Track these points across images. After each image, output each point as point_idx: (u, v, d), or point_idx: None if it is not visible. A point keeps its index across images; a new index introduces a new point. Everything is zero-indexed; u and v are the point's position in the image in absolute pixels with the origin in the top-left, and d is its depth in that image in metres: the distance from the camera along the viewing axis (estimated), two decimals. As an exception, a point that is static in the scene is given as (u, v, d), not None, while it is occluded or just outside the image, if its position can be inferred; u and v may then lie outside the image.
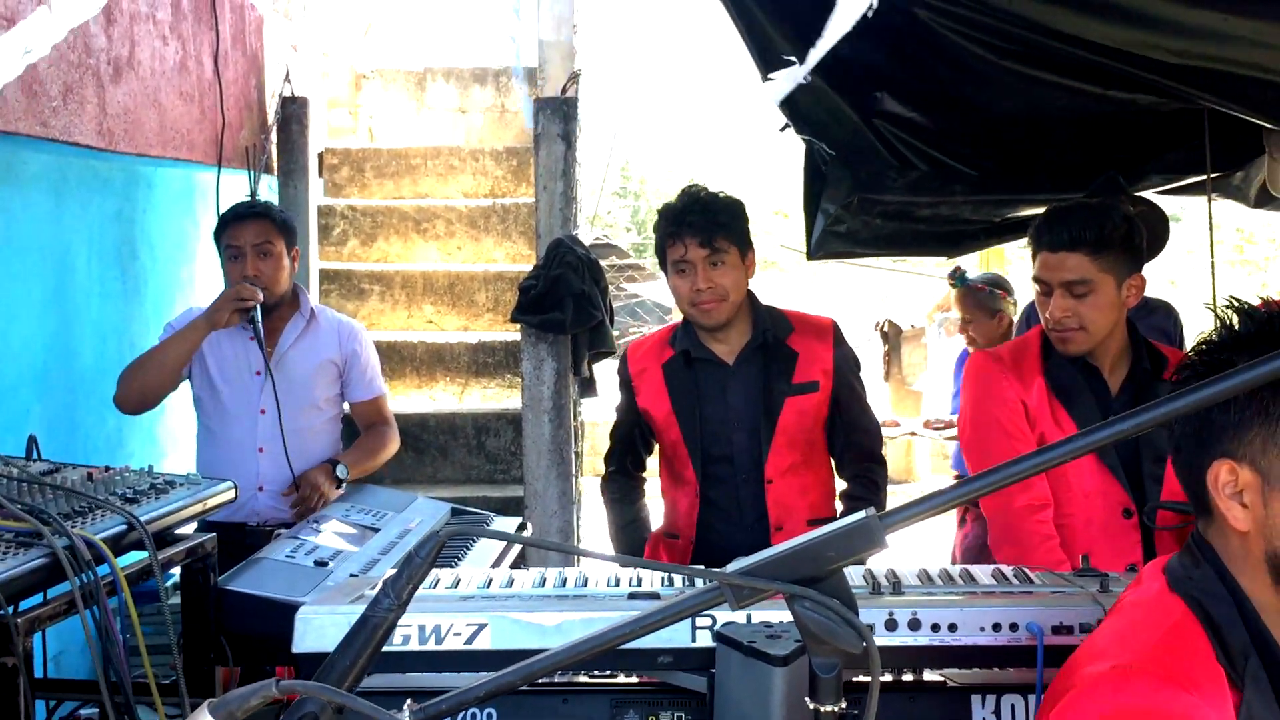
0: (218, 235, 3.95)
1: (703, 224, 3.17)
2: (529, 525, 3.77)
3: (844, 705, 1.11)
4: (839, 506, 3.41)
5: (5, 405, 3.97)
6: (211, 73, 5.40)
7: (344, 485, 3.88)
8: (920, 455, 10.82)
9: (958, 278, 5.27)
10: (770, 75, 4.13)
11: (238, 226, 3.87)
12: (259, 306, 3.73)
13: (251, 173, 5.69)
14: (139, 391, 3.78)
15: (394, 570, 1.17)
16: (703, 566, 1.64)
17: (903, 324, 10.24)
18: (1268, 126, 4.28)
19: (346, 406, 4.16)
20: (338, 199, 7.16)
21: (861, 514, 1.07)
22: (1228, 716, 1.39)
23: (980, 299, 5.26)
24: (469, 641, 1.94)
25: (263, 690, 0.90)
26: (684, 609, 1.07)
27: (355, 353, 4.06)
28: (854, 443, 3.37)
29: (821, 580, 1.06)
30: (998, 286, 5.32)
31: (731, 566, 1.08)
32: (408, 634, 1.95)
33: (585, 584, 2.17)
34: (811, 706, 1.09)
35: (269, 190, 6.02)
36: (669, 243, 3.23)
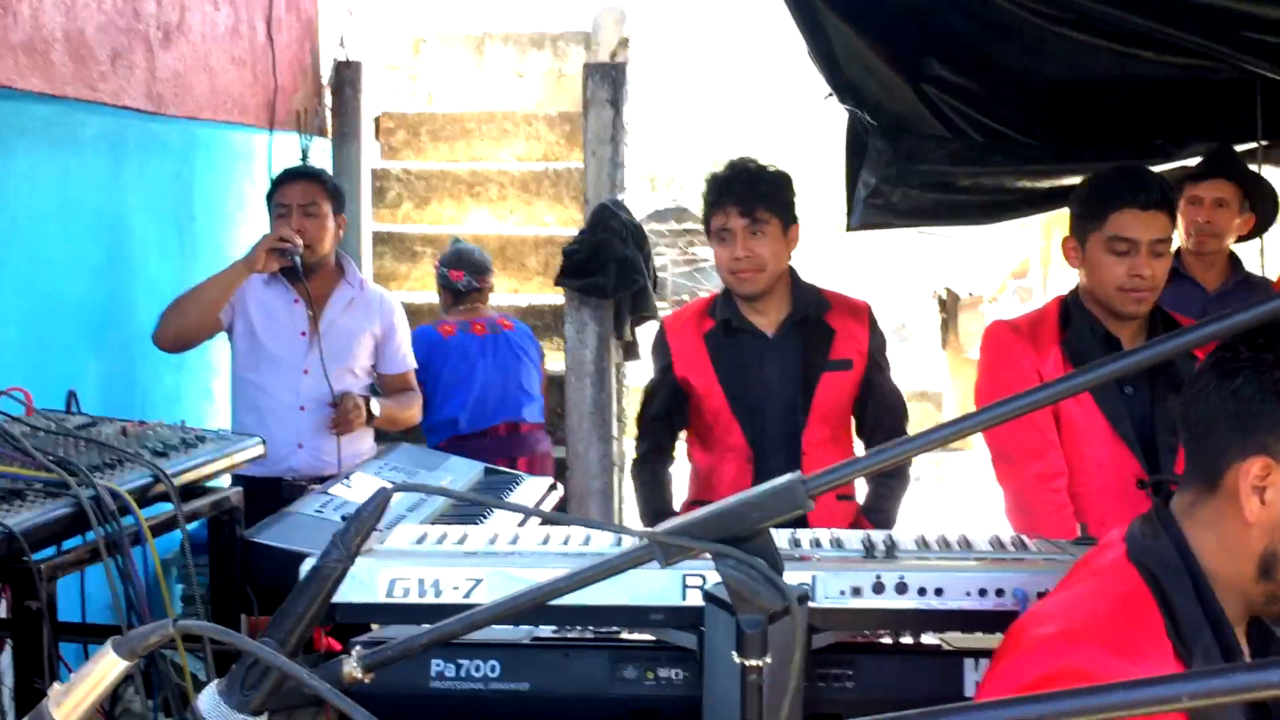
0: (270, 195, 4.10)
1: (745, 193, 3.21)
2: (559, 486, 3.82)
3: (770, 660, 1.14)
4: (861, 484, 3.44)
5: (61, 363, 4.11)
6: (264, 37, 5.49)
7: (372, 419, 4.01)
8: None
9: None
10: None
11: (287, 186, 4.00)
12: (299, 262, 3.82)
13: (304, 136, 5.79)
14: (176, 329, 3.90)
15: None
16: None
17: (961, 292, 10.17)
18: (1319, 95, 4.21)
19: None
20: (393, 162, 7.24)
21: (787, 476, 1.10)
22: None
23: None
24: (466, 595, 2.01)
25: (160, 628, 0.96)
26: (615, 565, 1.11)
27: (393, 326, 4.16)
28: (882, 424, 3.40)
29: (747, 540, 1.09)
30: None
31: (663, 525, 1.12)
32: (408, 586, 2.02)
33: (588, 542, 2.22)
34: (737, 660, 1.14)
35: (322, 153, 6.12)
36: (712, 211, 3.27)
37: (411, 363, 4.26)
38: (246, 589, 2.70)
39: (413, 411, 4.24)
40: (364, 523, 1.14)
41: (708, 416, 3.37)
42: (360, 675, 1.12)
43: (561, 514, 3.36)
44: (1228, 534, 1.50)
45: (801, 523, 2.67)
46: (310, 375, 3.94)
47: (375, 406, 3.99)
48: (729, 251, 3.24)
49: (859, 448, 3.49)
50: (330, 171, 5.75)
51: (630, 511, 4.63)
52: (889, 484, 3.40)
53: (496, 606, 1.13)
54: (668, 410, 3.42)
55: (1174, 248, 3.08)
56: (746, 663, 1.13)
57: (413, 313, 4.77)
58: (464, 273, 5.14)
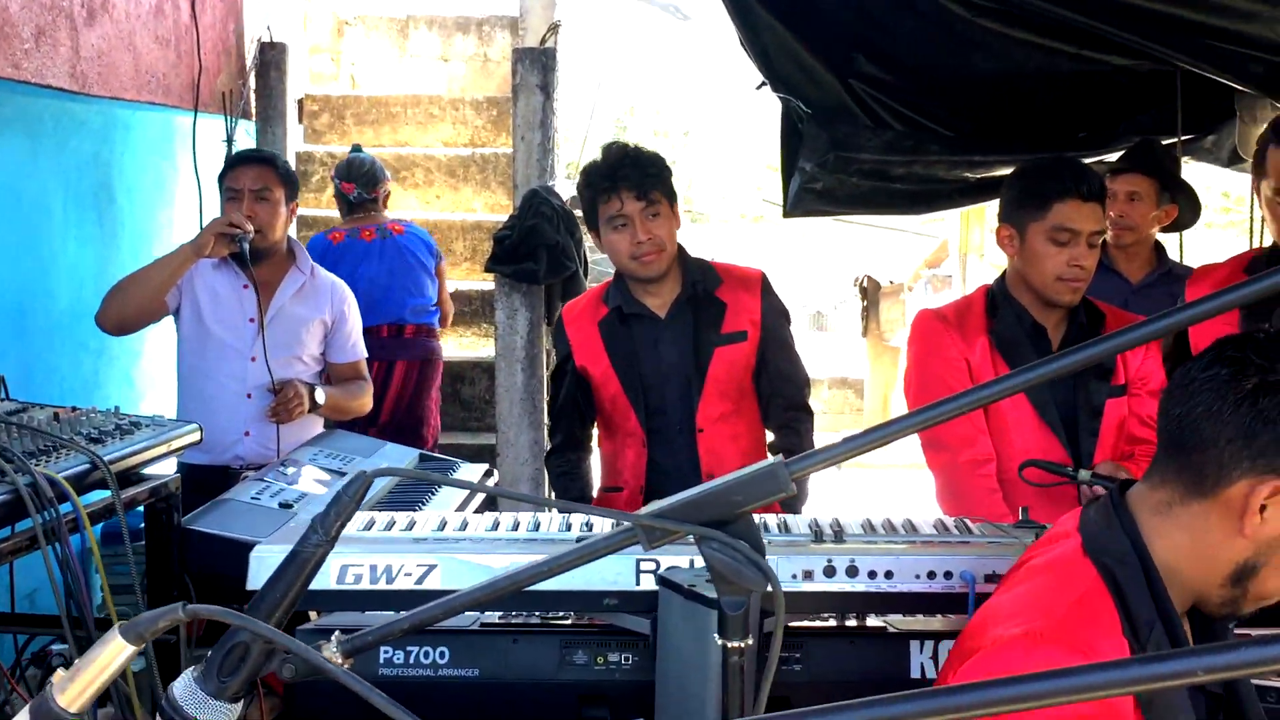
0: (221, 178, 4.03)
1: (637, 177, 3.19)
2: (495, 472, 3.80)
3: (750, 642, 1.16)
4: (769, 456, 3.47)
5: (-21, 346, 4.01)
6: (188, 17, 5.39)
7: (317, 407, 3.94)
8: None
9: None
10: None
11: (239, 170, 3.93)
12: (248, 247, 3.75)
13: (228, 118, 5.70)
14: (118, 312, 3.81)
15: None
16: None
17: (882, 280, 10.29)
18: (1238, 89, 4.32)
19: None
20: (317, 145, 7.15)
21: (769, 460, 1.11)
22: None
23: None
24: (419, 581, 2.00)
25: (170, 613, 0.94)
26: (598, 549, 1.11)
27: (343, 315, 4.10)
28: (780, 392, 3.40)
29: (730, 523, 1.11)
30: None
31: (646, 509, 1.13)
32: (360, 573, 2.01)
33: (537, 528, 2.22)
34: (720, 642, 1.15)
35: (246, 136, 6.02)
36: (603, 199, 3.22)
37: (362, 352, 4.19)
38: (184, 577, 2.65)
39: (363, 400, 4.18)
40: (344, 507, 1.13)
41: (606, 404, 3.38)
42: (340, 660, 1.11)
43: (557, 500, 3.34)
44: (1209, 540, 1.51)
45: None
46: (258, 363, 3.87)
47: (320, 395, 3.93)
48: (628, 237, 3.21)
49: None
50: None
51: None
52: (797, 437, 3.41)
53: (476, 591, 1.13)
54: (574, 400, 3.40)
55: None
56: (729, 644, 1.14)
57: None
58: (355, 185, 5.38)
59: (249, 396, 3.87)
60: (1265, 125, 4.39)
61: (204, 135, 5.44)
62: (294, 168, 6.39)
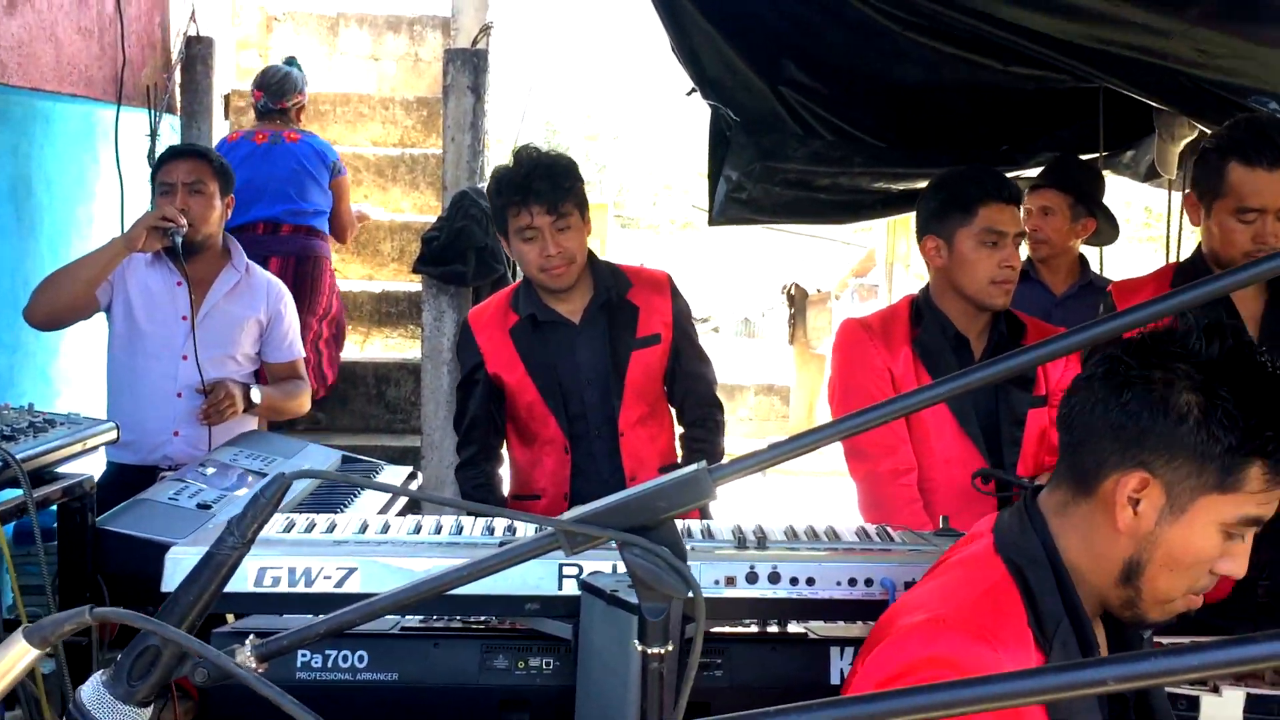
0: (154, 172, 3.95)
1: (549, 190, 3.15)
2: (418, 475, 3.77)
3: (671, 648, 1.16)
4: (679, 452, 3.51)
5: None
6: (113, 8, 5.30)
7: (253, 407, 3.88)
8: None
9: None
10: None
11: (173, 163, 3.85)
12: (180, 241, 3.68)
13: (152, 111, 5.60)
14: (48, 307, 3.73)
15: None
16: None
17: (809, 288, 10.36)
18: (1157, 107, 4.41)
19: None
20: (243, 142, 7.05)
21: (693, 466, 1.11)
22: None
23: None
24: (339, 585, 1.98)
25: (76, 616, 0.92)
26: (519, 554, 1.11)
27: (279, 313, 4.03)
28: (693, 390, 3.44)
29: (652, 529, 1.10)
30: None
31: (568, 514, 1.13)
32: (278, 576, 1.98)
33: (460, 532, 2.21)
34: (640, 648, 1.14)
35: (171, 130, 5.93)
36: (512, 210, 3.18)
37: (299, 351, 4.12)
38: (98, 578, 2.61)
39: (300, 400, 4.10)
40: (261, 509, 1.11)
41: (522, 411, 3.34)
42: (254, 664, 1.09)
43: (484, 505, 3.30)
44: (1096, 538, 1.56)
45: None
46: (190, 361, 3.80)
47: (256, 394, 3.86)
48: (538, 249, 3.17)
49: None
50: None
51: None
52: (704, 440, 3.44)
53: (397, 594, 1.12)
54: (487, 409, 3.35)
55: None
56: (649, 650, 1.14)
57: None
58: (263, 94, 5.57)
59: (179, 396, 3.80)
60: (1184, 141, 4.51)
61: (127, 129, 5.34)
62: (220, 163, 6.33)
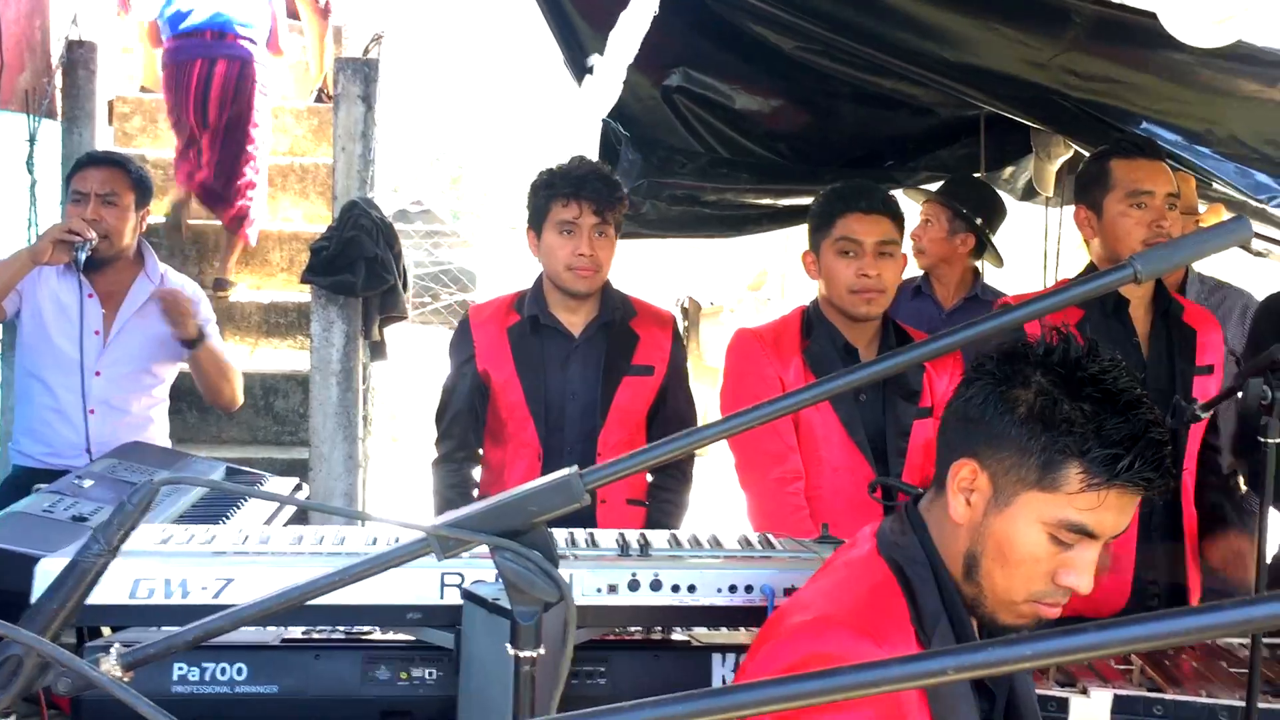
0: (66, 180, 3.85)
1: (602, 193, 3.20)
2: (304, 486, 3.73)
3: (544, 652, 1.17)
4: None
5: None
6: (-10, 10, 5.16)
7: (200, 342, 3.78)
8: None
9: None
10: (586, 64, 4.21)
11: (86, 171, 3.74)
12: (89, 253, 3.59)
13: (31, 116, 5.46)
14: None
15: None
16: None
17: (703, 301, 10.44)
18: (1035, 127, 4.54)
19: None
20: (128, 149, 6.91)
21: (564, 471, 1.12)
22: None
23: None
24: (216, 595, 1.95)
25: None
26: (392, 559, 1.11)
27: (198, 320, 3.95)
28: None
29: (524, 533, 1.11)
30: None
31: (441, 519, 1.13)
32: (153, 587, 1.95)
33: (343, 542, 2.19)
34: (511, 652, 1.15)
35: (52, 137, 5.78)
36: (559, 201, 3.21)
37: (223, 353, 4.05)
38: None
39: (235, 382, 3.97)
40: (128, 516, 1.10)
41: (503, 412, 3.33)
42: (120, 674, 1.08)
43: (347, 509, 3.26)
44: (944, 531, 1.62)
45: (592, 525, 2.71)
46: (101, 378, 3.71)
47: (210, 328, 3.80)
48: (572, 246, 3.19)
49: None
50: (60, 156, 5.46)
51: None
52: (672, 490, 3.44)
53: (264, 602, 1.11)
54: (471, 405, 3.35)
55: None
56: (520, 654, 1.15)
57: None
58: None
59: (91, 412, 3.71)
60: (1060, 160, 4.65)
61: (4, 134, 5.20)
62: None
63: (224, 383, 3.95)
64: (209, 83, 6.33)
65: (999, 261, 4.61)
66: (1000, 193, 5.21)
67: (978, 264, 4.44)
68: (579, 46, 4.28)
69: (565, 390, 3.31)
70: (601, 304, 3.34)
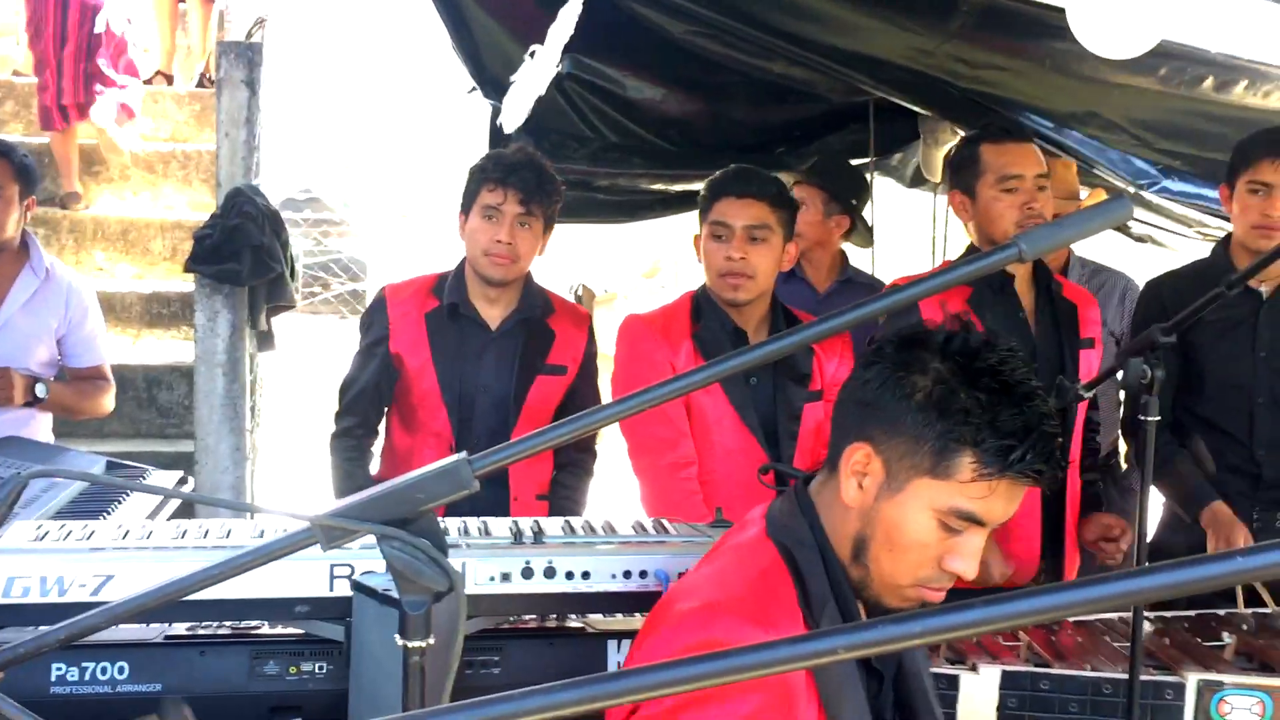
0: None
1: (533, 184, 3.14)
2: (190, 480, 3.64)
3: (433, 642, 1.15)
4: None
5: None
6: None
7: (38, 402, 3.68)
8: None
9: None
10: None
11: None
12: None
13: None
14: None
15: None
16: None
17: (597, 289, 10.41)
18: (923, 113, 4.61)
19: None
20: (0, 135, 6.68)
21: (454, 457, 1.10)
22: None
23: None
24: (95, 592, 1.89)
25: None
26: (275, 551, 1.08)
27: (80, 320, 3.83)
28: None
29: (412, 521, 1.09)
30: None
31: (327, 510, 1.10)
32: (28, 585, 1.89)
33: (229, 535, 2.14)
34: (400, 643, 1.13)
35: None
36: (489, 186, 3.16)
37: (102, 356, 3.90)
38: None
39: (98, 401, 3.89)
40: (-5, 511, 1.05)
41: (414, 397, 3.28)
42: (-11, 675, 1.04)
43: (232, 501, 3.19)
44: (834, 513, 1.62)
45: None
46: None
47: (40, 389, 3.65)
48: (491, 231, 3.14)
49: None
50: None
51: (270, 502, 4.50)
52: (571, 486, 3.41)
53: (141, 597, 1.08)
54: (377, 385, 3.29)
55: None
56: (409, 645, 1.12)
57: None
58: None
59: None
60: (948, 146, 4.71)
61: None
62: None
63: (80, 413, 3.99)
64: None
65: (868, 241, 4.66)
66: (887, 178, 5.29)
67: (843, 246, 4.45)
68: (470, 34, 4.23)
69: (479, 383, 3.27)
70: (521, 298, 3.30)
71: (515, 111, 3.90)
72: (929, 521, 1.54)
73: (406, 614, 1.11)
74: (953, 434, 1.50)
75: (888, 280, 4.42)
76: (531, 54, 3.82)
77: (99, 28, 6.40)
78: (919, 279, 1.15)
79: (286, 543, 1.08)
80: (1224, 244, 3.39)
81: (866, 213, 4.51)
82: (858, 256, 4.60)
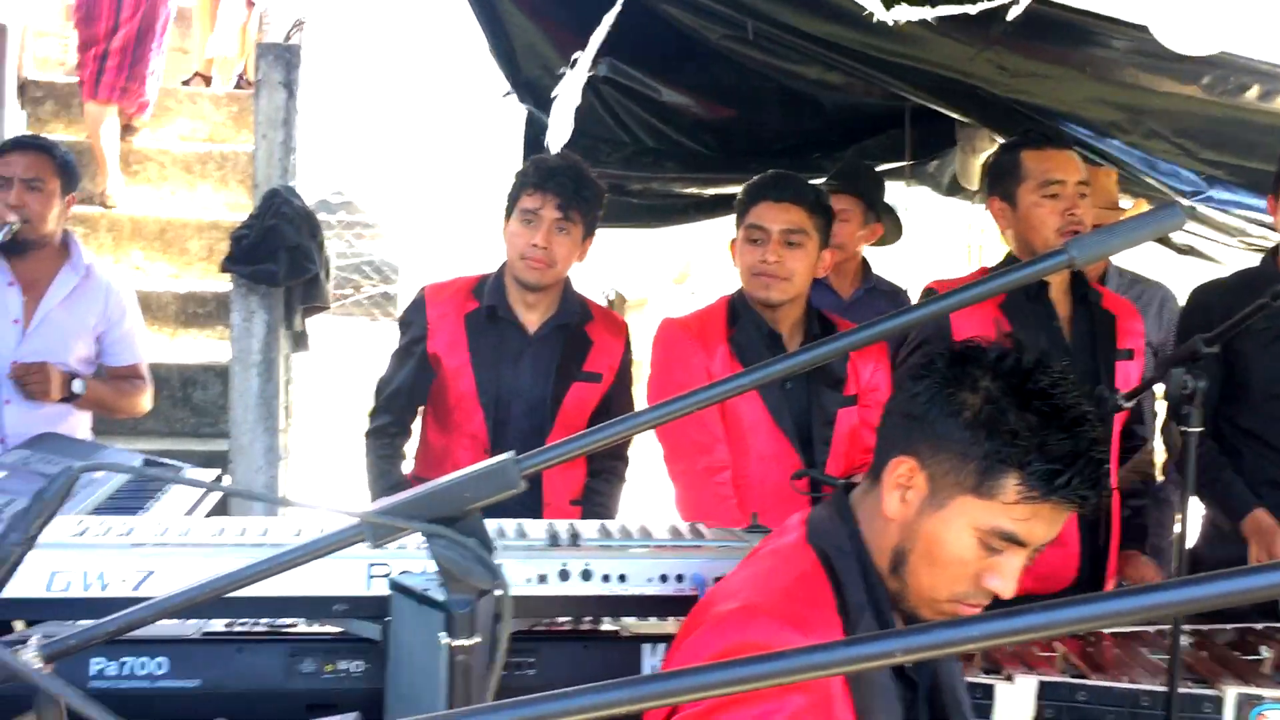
0: None
1: (571, 189, 3.16)
2: (225, 479, 3.67)
3: (478, 640, 1.15)
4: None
5: None
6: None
7: (75, 398, 3.70)
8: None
9: None
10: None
11: (12, 155, 3.67)
12: (9, 237, 3.51)
13: (-60, 99, 5.32)
14: None
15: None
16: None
17: (630, 294, 10.42)
18: (960, 120, 4.58)
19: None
20: (41, 133, 6.74)
21: (500, 457, 1.11)
22: None
23: None
24: (136, 588, 1.91)
25: None
26: (323, 547, 1.08)
27: (119, 319, 3.86)
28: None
29: (459, 520, 1.09)
30: None
31: (372, 507, 1.11)
32: (70, 580, 1.90)
33: (266, 533, 2.15)
34: (444, 641, 1.13)
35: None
36: (528, 190, 3.18)
37: (140, 355, 3.93)
38: None
39: (135, 400, 3.92)
40: (46, 505, 1.06)
41: (451, 398, 3.28)
42: (41, 665, 1.04)
43: (272, 495, 3.20)
44: (875, 524, 1.62)
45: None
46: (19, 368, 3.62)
47: (78, 385, 3.68)
48: (528, 235, 3.16)
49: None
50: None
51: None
52: (604, 493, 3.42)
53: (190, 591, 1.08)
54: (412, 384, 3.31)
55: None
56: (455, 643, 1.13)
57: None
58: None
59: (8, 403, 3.62)
60: (985, 154, 4.69)
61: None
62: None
63: (117, 411, 3.97)
64: None
65: (899, 234, 4.63)
66: (923, 186, 5.27)
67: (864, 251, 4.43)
68: (506, 37, 4.24)
69: (516, 386, 3.27)
70: (560, 304, 3.31)
71: (560, 126, 3.91)
72: (970, 539, 1.53)
73: (452, 612, 1.11)
74: (999, 454, 1.49)
75: (909, 288, 4.42)
76: (573, 63, 3.82)
77: (159, 18, 6.53)
78: (963, 285, 1.14)
79: (335, 539, 1.09)
80: (1273, 253, 3.36)
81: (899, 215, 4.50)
82: (880, 260, 4.58)
